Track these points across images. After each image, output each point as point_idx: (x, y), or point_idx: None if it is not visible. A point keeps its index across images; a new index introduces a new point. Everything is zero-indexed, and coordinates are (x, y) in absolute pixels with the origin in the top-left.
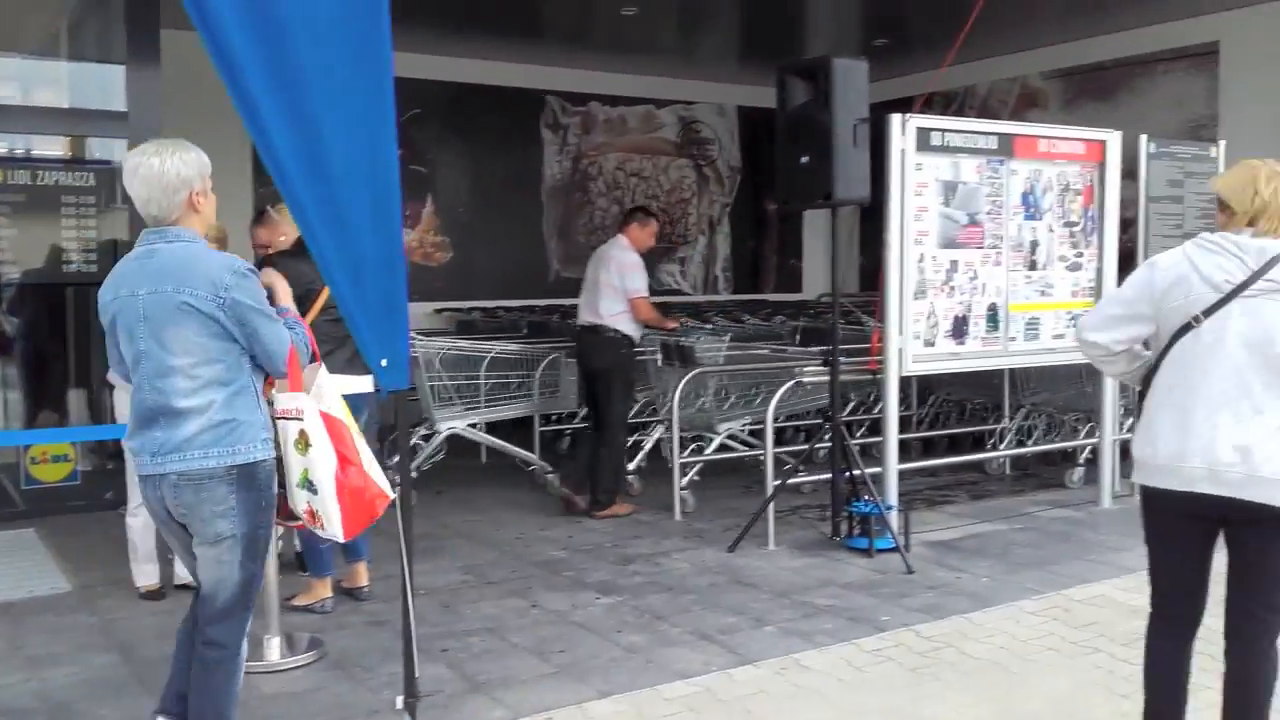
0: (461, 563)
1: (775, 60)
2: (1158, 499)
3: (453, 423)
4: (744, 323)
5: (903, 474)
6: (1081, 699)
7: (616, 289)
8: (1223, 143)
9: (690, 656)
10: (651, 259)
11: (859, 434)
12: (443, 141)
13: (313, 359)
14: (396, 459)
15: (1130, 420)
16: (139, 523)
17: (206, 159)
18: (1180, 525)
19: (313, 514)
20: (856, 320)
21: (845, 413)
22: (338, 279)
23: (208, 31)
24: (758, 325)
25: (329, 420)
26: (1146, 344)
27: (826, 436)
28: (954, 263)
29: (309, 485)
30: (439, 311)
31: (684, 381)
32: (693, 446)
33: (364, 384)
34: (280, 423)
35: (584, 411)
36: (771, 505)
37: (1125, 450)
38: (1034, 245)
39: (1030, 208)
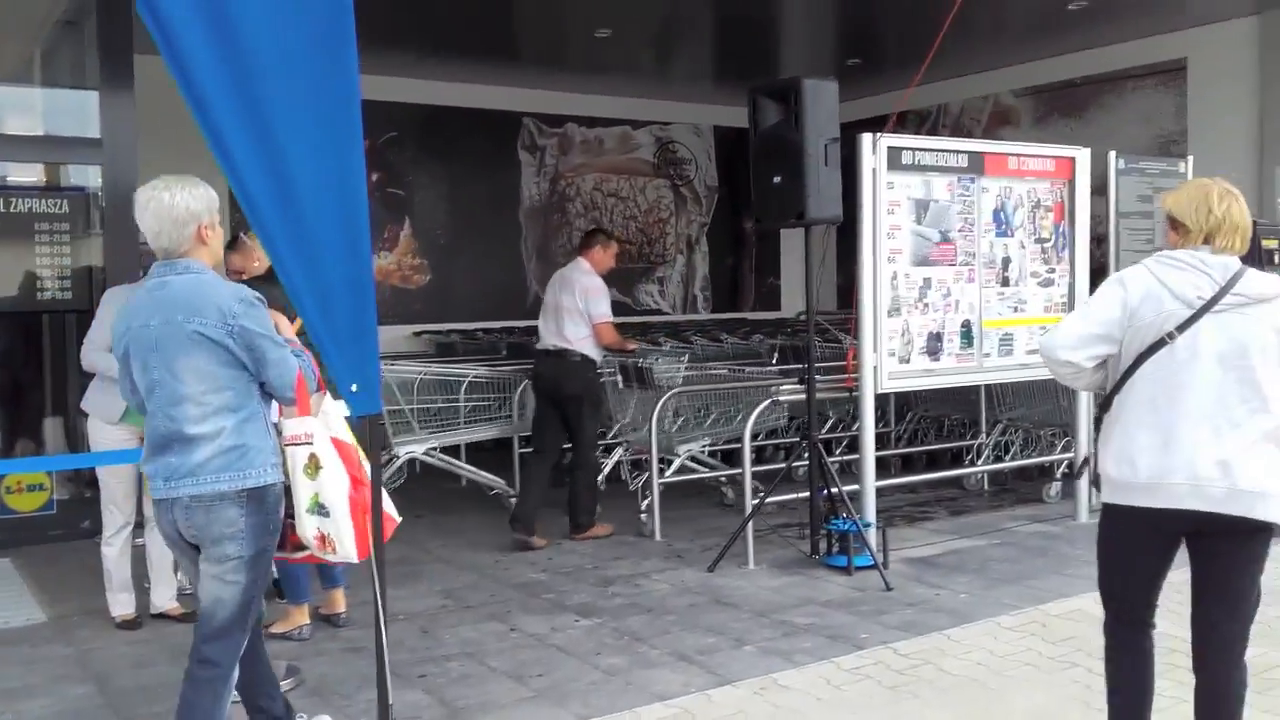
0: (440, 586)
1: (750, 80)
2: (1130, 515)
3: (410, 448)
4: (722, 342)
5: (882, 491)
6: (1059, 713)
7: (581, 313)
8: (1190, 158)
9: (669, 678)
10: (630, 279)
11: (838, 451)
12: (420, 164)
13: (318, 388)
14: None
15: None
16: (114, 552)
17: (214, 194)
18: (1151, 541)
19: (323, 539)
20: (834, 338)
21: (824, 430)
22: (307, 305)
23: (175, 61)
24: (736, 344)
25: (338, 443)
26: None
27: (805, 455)
28: (927, 280)
29: (319, 509)
30: (418, 334)
31: (661, 403)
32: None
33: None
34: (289, 450)
35: (543, 438)
36: (750, 524)
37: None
38: (1006, 261)
39: (1001, 225)
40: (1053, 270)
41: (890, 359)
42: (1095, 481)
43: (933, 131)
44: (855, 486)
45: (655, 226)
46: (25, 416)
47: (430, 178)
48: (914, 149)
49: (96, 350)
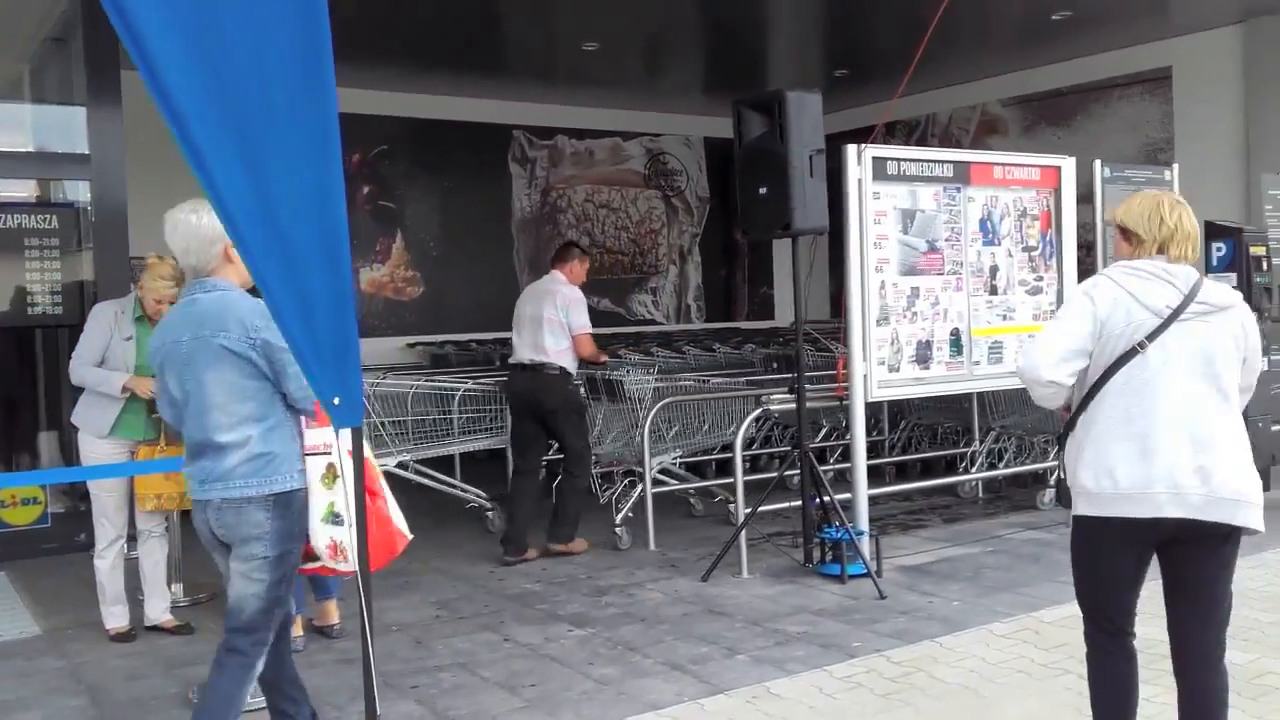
0: (434, 597)
1: (738, 92)
2: (1106, 526)
3: (382, 461)
4: (714, 351)
5: (876, 499)
6: None
7: (562, 324)
8: (1176, 165)
9: (662, 687)
10: (624, 289)
11: (832, 459)
12: (411, 177)
13: None
14: None
15: None
16: (107, 565)
17: None
18: (1129, 550)
19: (335, 547)
20: (825, 347)
21: (817, 439)
22: (288, 319)
23: (152, 76)
24: (728, 354)
25: None
26: None
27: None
28: (915, 289)
29: (334, 518)
30: (411, 346)
31: (653, 412)
32: (626, 481)
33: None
34: (307, 459)
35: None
36: (744, 534)
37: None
38: (994, 270)
39: (988, 234)
40: (1040, 278)
41: (880, 368)
42: (1062, 497)
43: (921, 141)
44: (848, 495)
45: (647, 237)
46: (19, 431)
47: (422, 190)
48: (899, 159)
49: (85, 365)
